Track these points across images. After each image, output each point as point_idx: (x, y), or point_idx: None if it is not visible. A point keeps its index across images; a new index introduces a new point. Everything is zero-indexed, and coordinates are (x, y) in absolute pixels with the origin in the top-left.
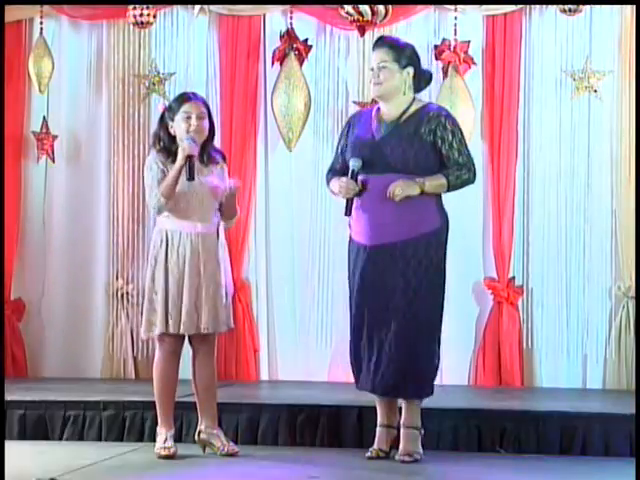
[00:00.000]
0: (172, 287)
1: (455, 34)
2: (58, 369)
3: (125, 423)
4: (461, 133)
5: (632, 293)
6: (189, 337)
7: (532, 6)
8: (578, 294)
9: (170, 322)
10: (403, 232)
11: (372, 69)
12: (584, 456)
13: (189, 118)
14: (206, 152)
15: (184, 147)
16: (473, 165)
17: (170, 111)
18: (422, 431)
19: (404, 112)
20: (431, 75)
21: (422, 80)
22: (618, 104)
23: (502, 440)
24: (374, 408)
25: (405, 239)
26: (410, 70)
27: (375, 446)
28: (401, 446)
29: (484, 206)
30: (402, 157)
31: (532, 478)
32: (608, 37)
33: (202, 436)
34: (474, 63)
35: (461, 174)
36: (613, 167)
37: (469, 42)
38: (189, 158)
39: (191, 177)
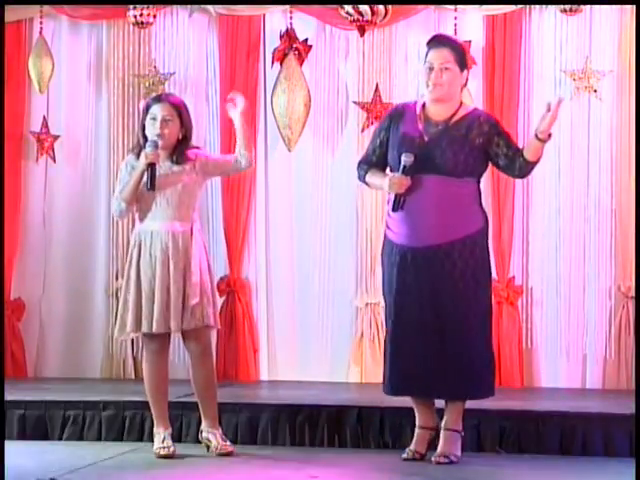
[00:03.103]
0: (145, 287)
1: (455, 34)
2: (58, 369)
3: (125, 423)
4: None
5: (632, 293)
6: (182, 338)
7: (532, 6)
8: (578, 294)
9: (143, 322)
10: (448, 233)
11: (431, 68)
12: (584, 456)
13: (154, 120)
14: (178, 152)
15: (146, 154)
16: None
17: (144, 112)
18: (462, 433)
19: (454, 114)
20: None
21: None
22: (618, 104)
23: (502, 440)
24: (374, 408)
25: (450, 240)
26: (466, 73)
27: (412, 447)
28: (439, 447)
29: (484, 206)
30: (453, 160)
31: (532, 478)
32: (608, 37)
33: (203, 434)
34: (474, 63)
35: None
36: (613, 167)
37: (469, 42)
38: (150, 166)
39: (151, 187)
